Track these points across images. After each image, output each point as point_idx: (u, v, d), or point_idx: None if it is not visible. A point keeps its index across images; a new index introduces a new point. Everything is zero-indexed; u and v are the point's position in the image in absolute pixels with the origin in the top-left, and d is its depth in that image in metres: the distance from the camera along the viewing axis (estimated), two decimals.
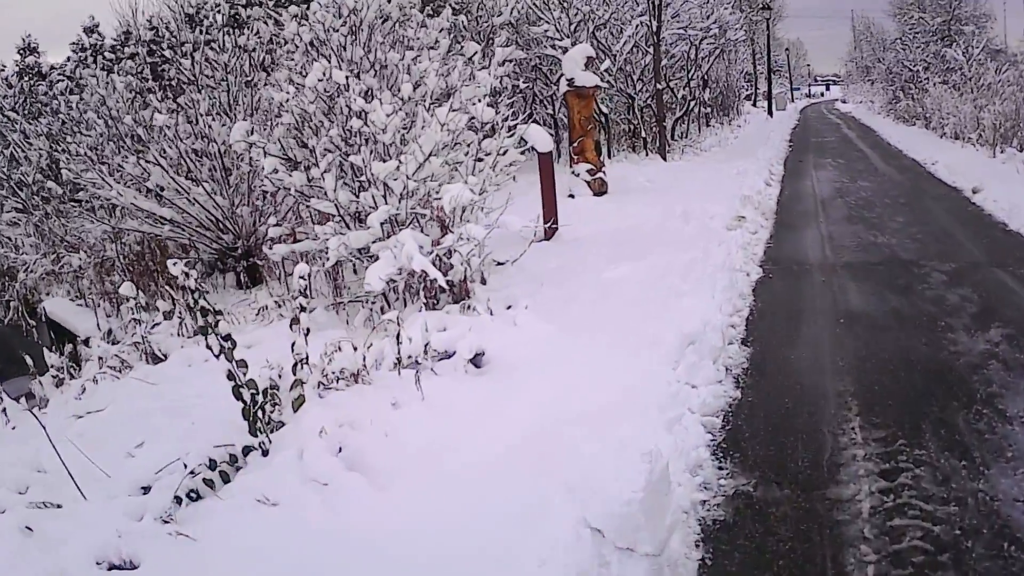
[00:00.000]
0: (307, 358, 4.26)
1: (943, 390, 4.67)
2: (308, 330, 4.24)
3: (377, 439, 3.94)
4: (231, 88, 9.09)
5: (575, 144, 13.33)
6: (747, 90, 49.61)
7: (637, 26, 17.32)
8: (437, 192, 6.70)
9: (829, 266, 7.92)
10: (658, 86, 17.36)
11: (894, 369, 5.08)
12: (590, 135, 13.28)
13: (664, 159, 17.66)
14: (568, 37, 16.90)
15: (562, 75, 13.26)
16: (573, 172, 13.40)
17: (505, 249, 8.33)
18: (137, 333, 6.40)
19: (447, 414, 4.40)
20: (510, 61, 16.27)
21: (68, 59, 25.44)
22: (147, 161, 8.64)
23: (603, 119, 18.12)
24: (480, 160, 7.89)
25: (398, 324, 4.69)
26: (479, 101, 7.71)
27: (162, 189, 8.70)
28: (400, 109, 6.89)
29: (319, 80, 6.90)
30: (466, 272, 7.03)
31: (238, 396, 3.81)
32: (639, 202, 12.16)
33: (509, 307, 6.92)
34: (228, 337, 3.82)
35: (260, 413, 3.86)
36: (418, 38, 8.27)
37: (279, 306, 7.18)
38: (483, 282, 7.59)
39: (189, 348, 6.03)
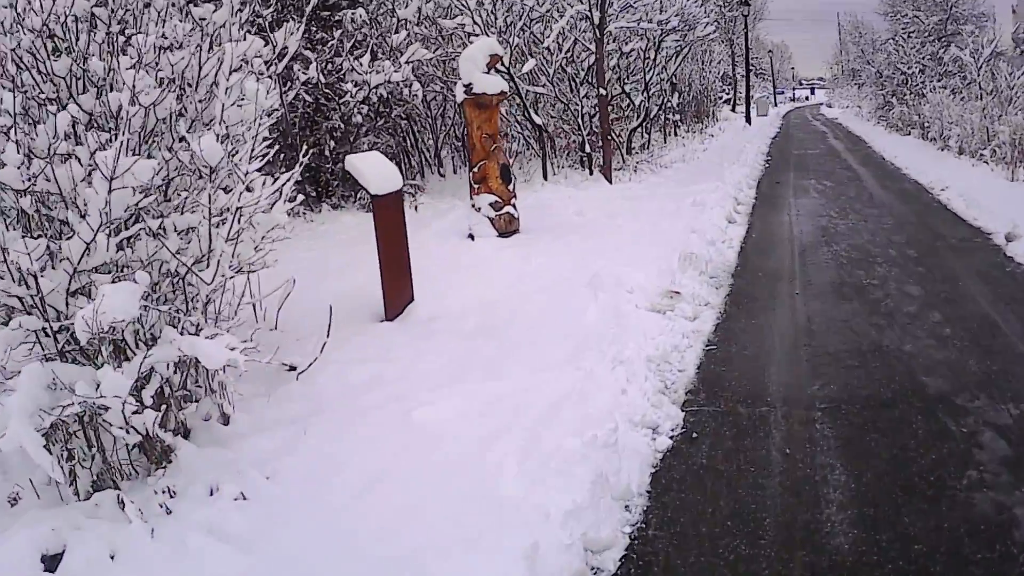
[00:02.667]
0: None
1: None
2: None
3: None
4: None
5: (475, 170, 10.04)
6: (726, 94, 46.54)
7: (572, 19, 14.00)
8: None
9: (803, 407, 4.55)
10: (601, 91, 14.06)
11: None
12: (494, 157, 9.97)
13: (610, 181, 14.37)
14: (493, 33, 13.63)
15: (459, 80, 10.00)
16: (473, 206, 10.13)
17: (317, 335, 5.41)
18: None
19: None
20: (410, 63, 13.04)
21: None
22: None
23: (537, 132, 14.85)
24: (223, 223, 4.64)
25: None
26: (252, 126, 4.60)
27: None
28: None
29: None
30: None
31: None
32: (550, 249, 8.91)
33: (213, 492, 3.75)
34: None
35: None
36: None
37: None
38: (186, 436, 4.30)
39: None
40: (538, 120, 14.54)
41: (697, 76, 29.94)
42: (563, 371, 4.86)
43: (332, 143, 13.22)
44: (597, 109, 15.20)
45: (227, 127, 4.60)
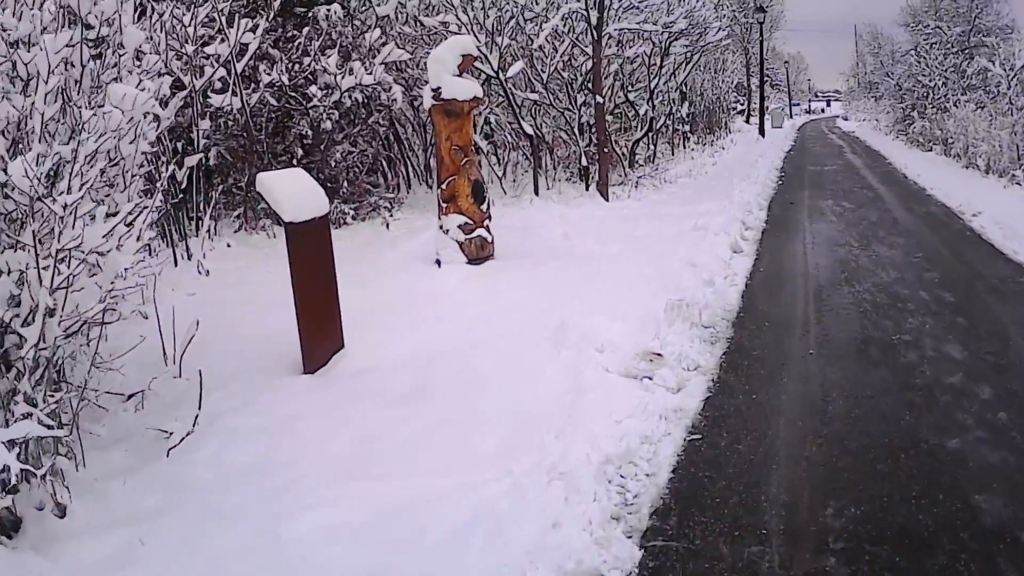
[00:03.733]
0: None
1: None
2: None
3: None
4: None
5: (444, 186, 8.81)
6: (740, 104, 45.26)
7: (567, 18, 12.74)
8: None
9: (810, 547, 3.21)
10: (598, 99, 12.78)
11: None
12: (466, 173, 8.73)
13: (606, 198, 13.10)
14: (481, 34, 12.43)
15: (427, 83, 8.78)
16: (441, 227, 8.90)
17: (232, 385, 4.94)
18: None
19: None
20: (385, 64, 11.79)
21: None
22: None
23: (529, 141, 13.59)
24: None
25: None
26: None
27: None
28: None
29: None
30: None
31: None
32: (522, 281, 7.69)
33: None
34: None
35: None
36: None
37: None
38: (15, 529, 3.21)
39: None
40: (529, 129, 13.27)
41: (709, 85, 28.67)
42: (486, 475, 3.60)
43: (300, 151, 11.99)
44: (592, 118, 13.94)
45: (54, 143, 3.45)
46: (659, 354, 5.19)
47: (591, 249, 9.15)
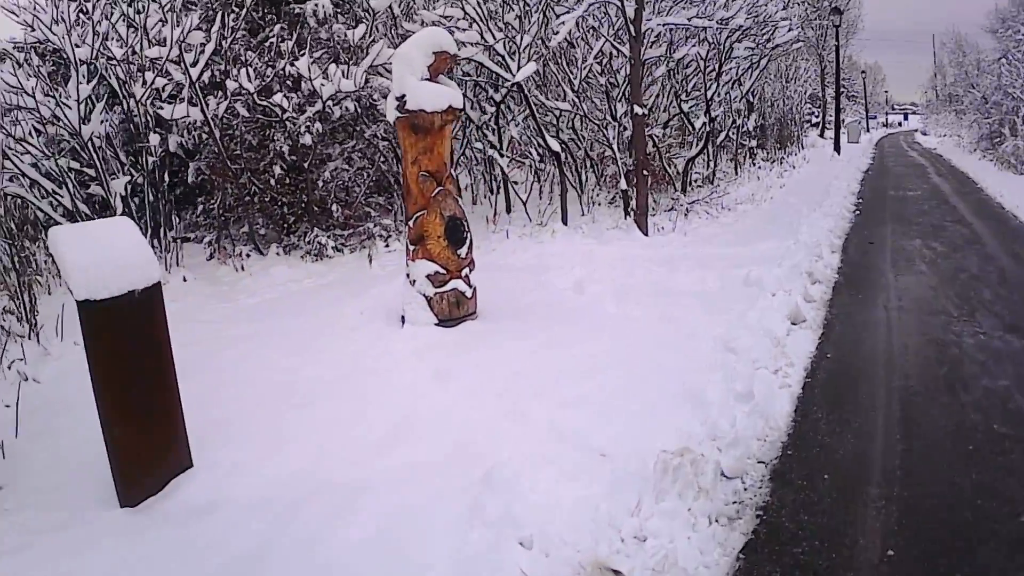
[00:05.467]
0: None
1: None
2: None
3: None
4: None
5: (411, 223, 6.79)
6: (815, 116, 42.47)
7: (594, 9, 10.61)
8: None
9: None
10: (636, 109, 10.60)
11: None
12: (437, 207, 6.72)
13: (644, 232, 10.93)
14: (499, 31, 10.44)
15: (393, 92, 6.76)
16: (408, 277, 6.89)
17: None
18: None
19: None
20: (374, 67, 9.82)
21: None
22: None
23: (556, 159, 11.51)
24: None
25: None
26: None
27: None
28: None
29: None
30: None
31: None
32: (494, 361, 5.75)
33: None
34: None
35: None
36: None
37: None
38: None
39: None
40: (555, 146, 11.17)
41: (780, 95, 26.18)
42: None
43: (279, 169, 10.11)
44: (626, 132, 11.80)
45: None
46: (617, 573, 3.05)
47: (604, 310, 7.03)
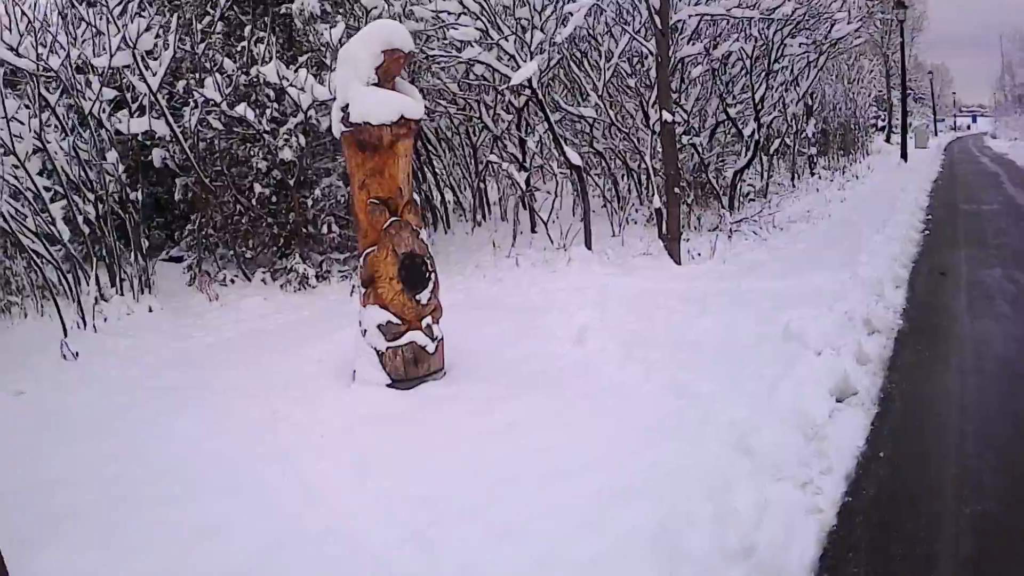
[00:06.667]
0: None
1: None
2: None
3: None
4: None
5: (363, 261, 5.47)
6: (881, 119, 40.26)
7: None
8: None
9: None
10: (664, 115, 9.15)
11: None
12: (389, 242, 5.39)
13: (676, 259, 9.46)
14: (510, 35, 9.14)
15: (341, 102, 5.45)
16: (360, 326, 5.57)
17: None
18: None
19: None
20: None
21: None
22: None
23: (576, 174, 10.14)
24: None
25: None
26: None
27: None
28: None
29: None
30: None
31: None
32: (436, 449, 4.51)
33: None
34: None
35: None
36: None
37: None
38: None
39: None
40: (575, 158, 9.79)
41: (843, 97, 24.33)
42: None
43: (259, 187, 8.95)
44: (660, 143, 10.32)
45: None
46: None
47: (601, 372, 5.63)
